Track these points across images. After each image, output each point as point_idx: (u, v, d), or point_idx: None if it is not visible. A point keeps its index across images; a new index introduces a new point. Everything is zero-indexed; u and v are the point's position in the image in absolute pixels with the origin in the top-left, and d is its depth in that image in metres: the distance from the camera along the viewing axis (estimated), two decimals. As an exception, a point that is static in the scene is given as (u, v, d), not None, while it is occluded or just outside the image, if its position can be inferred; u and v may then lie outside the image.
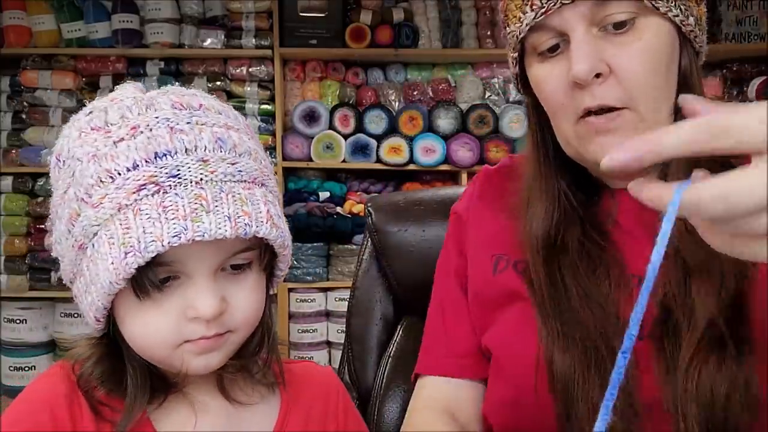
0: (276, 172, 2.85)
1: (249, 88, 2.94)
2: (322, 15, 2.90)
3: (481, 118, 2.87)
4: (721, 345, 0.62)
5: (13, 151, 2.89)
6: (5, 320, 2.89)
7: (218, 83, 2.93)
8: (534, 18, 0.67)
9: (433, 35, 3.00)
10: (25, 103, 2.91)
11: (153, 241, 0.53)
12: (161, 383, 0.62)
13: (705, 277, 0.65)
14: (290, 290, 2.89)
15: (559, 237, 0.74)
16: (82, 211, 0.55)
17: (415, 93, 2.98)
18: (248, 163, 0.59)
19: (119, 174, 0.54)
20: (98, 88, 2.90)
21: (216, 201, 0.55)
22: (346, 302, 1.16)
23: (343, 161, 2.89)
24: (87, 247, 0.56)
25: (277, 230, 0.59)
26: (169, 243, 0.53)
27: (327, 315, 2.94)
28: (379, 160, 2.89)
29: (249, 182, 0.59)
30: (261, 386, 0.68)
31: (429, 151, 2.87)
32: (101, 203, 0.54)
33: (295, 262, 2.86)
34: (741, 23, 2.94)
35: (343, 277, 2.86)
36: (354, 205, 2.89)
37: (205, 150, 0.56)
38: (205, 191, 0.55)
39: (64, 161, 0.58)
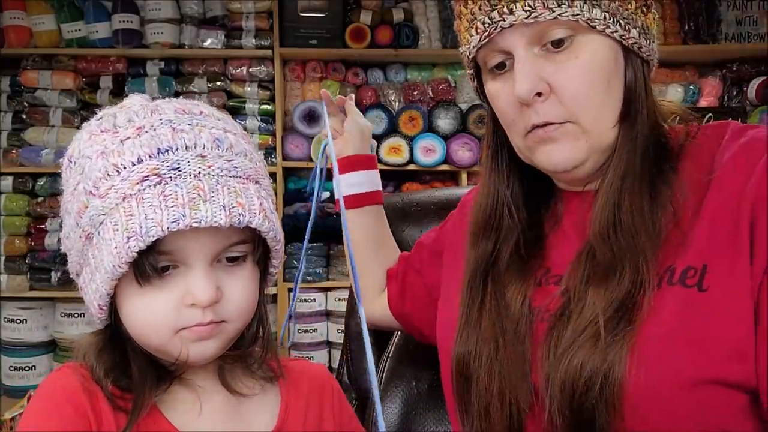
0: (276, 172, 2.88)
1: (249, 88, 2.94)
2: (322, 15, 2.90)
3: (481, 118, 2.87)
4: (596, 338, 0.66)
5: (14, 151, 2.89)
6: (5, 320, 2.89)
7: (218, 83, 2.93)
8: (479, 41, 0.72)
9: (433, 35, 3.00)
10: (25, 103, 2.91)
11: (154, 226, 0.57)
12: (164, 372, 0.66)
13: (604, 276, 0.69)
14: (290, 290, 2.89)
15: (495, 248, 0.81)
16: (90, 203, 0.60)
17: (415, 93, 2.98)
18: (243, 162, 0.64)
19: (124, 167, 0.59)
20: (98, 88, 2.90)
21: (212, 192, 0.60)
22: (346, 302, 1.16)
23: (343, 161, 2.89)
24: (93, 236, 0.61)
25: (269, 223, 0.64)
26: (168, 228, 0.57)
27: (327, 315, 2.94)
28: (379, 160, 2.87)
29: (243, 178, 0.64)
30: (260, 379, 0.71)
31: (429, 151, 2.87)
32: (107, 194, 0.59)
33: (295, 262, 2.86)
34: (741, 23, 2.94)
35: (343, 277, 2.86)
36: (354, 205, 2.88)
37: (203, 147, 0.62)
38: (203, 183, 0.60)
39: (75, 161, 0.63)
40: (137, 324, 0.62)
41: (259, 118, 2.94)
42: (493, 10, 0.70)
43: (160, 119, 0.62)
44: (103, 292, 0.61)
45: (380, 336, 1.13)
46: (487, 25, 0.71)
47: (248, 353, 0.70)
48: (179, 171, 0.59)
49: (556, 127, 0.71)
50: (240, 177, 0.63)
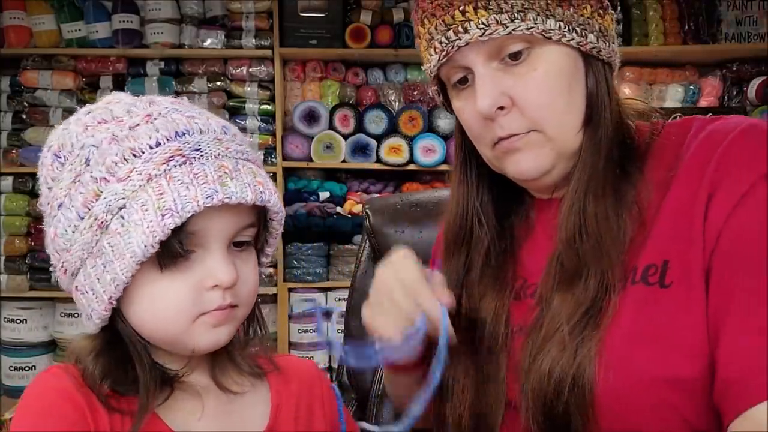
0: (276, 172, 2.89)
1: (249, 89, 2.94)
2: (322, 15, 2.89)
3: (481, 118, 2.87)
4: (563, 344, 0.67)
5: (14, 151, 2.90)
6: (5, 320, 2.89)
7: (218, 83, 2.93)
8: (438, 60, 0.73)
9: (433, 35, 2.99)
10: (25, 103, 2.91)
11: (189, 202, 0.58)
12: (165, 377, 0.65)
13: (570, 282, 0.70)
14: (290, 290, 2.90)
15: (467, 260, 0.81)
16: (105, 189, 0.59)
17: (415, 93, 2.98)
18: (248, 149, 0.67)
19: (143, 152, 0.60)
20: (98, 88, 2.90)
21: (236, 171, 0.62)
22: (346, 302, 1.16)
23: (343, 161, 2.89)
24: (109, 224, 0.59)
25: (279, 205, 0.67)
26: (203, 204, 0.59)
27: (327, 315, 2.93)
28: (379, 160, 2.89)
29: (253, 162, 0.67)
30: (249, 376, 0.71)
31: (429, 151, 2.87)
32: (129, 176, 0.59)
33: (295, 262, 2.86)
34: (741, 23, 2.94)
35: (343, 277, 2.86)
36: (354, 205, 2.89)
37: (215, 132, 0.64)
38: (226, 162, 0.62)
39: (66, 156, 0.62)
40: (154, 313, 0.62)
41: (259, 118, 2.93)
42: (448, 29, 0.70)
43: (166, 108, 0.64)
44: (122, 280, 0.60)
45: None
46: (444, 45, 0.71)
47: (238, 348, 0.70)
48: (201, 152, 0.61)
49: (521, 137, 0.72)
50: (250, 161, 0.66)
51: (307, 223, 2.79)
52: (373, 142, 2.88)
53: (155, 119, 0.62)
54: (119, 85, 2.90)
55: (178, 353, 0.65)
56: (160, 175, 0.59)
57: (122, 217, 0.59)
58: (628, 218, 0.70)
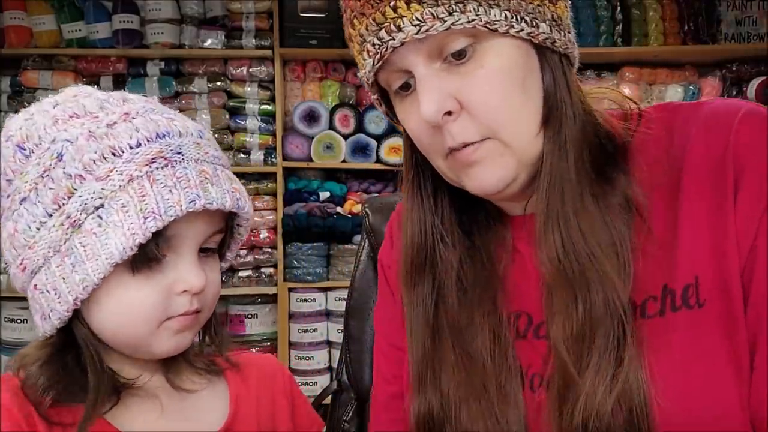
0: (276, 172, 2.88)
1: (249, 89, 2.94)
2: (322, 15, 2.89)
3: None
4: (594, 390, 0.61)
5: (14, 151, 2.90)
6: (5, 320, 2.89)
7: (218, 83, 2.93)
8: (373, 64, 0.64)
9: (433, 35, 2.99)
10: (25, 104, 2.86)
11: (172, 206, 0.58)
12: (112, 384, 0.63)
13: (568, 313, 0.63)
14: (290, 290, 2.90)
15: (434, 285, 0.73)
16: (81, 187, 0.58)
17: (415, 93, 2.98)
18: (220, 152, 0.67)
19: (123, 151, 0.58)
20: (99, 88, 2.86)
21: (215, 176, 0.62)
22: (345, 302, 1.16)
23: (343, 161, 2.89)
24: (83, 223, 0.58)
25: (251, 211, 0.67)
26: (186, 209, 0.58)
27: (327, 315, 2.94)
28: (379, 160, 2.89)
29: (225, 167, 0.66)
30: (206, 374, 0.71)
31: (429, 152, 2.86)
32: (109, 176, 0.58)
33: (295, 262, 2.86)
34: (741, 23, 2.94)
35: (344, 277, 2.86)
36: (354, 205, 2.89)
37: (194, 135, 0.64)
38: (206, 167, 0.62)
39: (33, 147, 0.60)
40: (121, 316, 0.60)
41: (259, 118, 2.93)
42: (380, 29, 0.62)
43: (143, 107, 0.63)
44: (92, 282, 0.58)
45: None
46: (377, 47, 0.63)
47: (192, 348, 0.70)
48: (182, 155, 0.61)
49: (476, 147, 0.63)
50: (224, 165, 0.66)
51: (307, 223, 2.79)
52: (373, 142, 2.88)
53: (133, 118, 0.61)
54: (119, 85, 2.90)
55: (137, 357, 0.64)
56: (142, 176, 0.58)
57: (99, 217, 0.57)
58: (623, 226, 0.63)
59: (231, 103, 2.93)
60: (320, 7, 2.89)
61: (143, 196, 0.57)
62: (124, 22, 2.86)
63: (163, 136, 0.60)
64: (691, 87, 2.94)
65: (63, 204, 0.58)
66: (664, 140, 0.66)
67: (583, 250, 0.62)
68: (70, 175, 0.58)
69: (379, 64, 0.64)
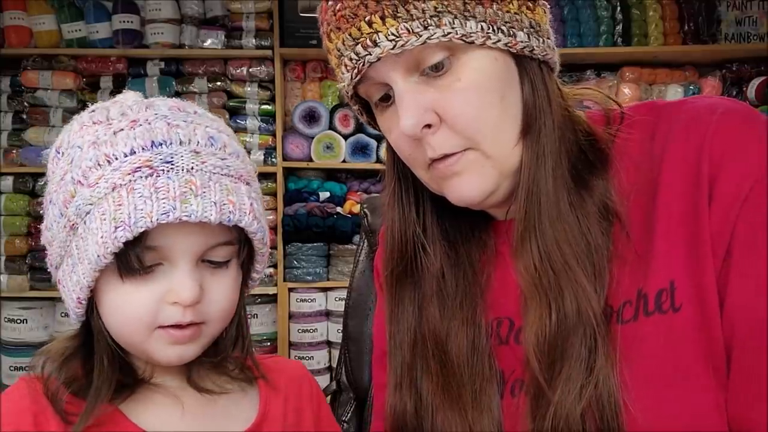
0: (276, 172, 2.88)
1: (249, 89, 2.94)
2: (322, 15, 2.89)
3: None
4: (570, 395, 0.61)
5: (14, 151, 2.90)
6: (5, 320, 2.89)
7: (218, 83, 2.93)
8: (351, 78, 0.65)
9: (433, 35, 2.99)
10: (25, 104, 2.91)
11: (143, 217, 0.56)
12: (129, 377, 0.64)
13: (543, 319, 0.63)
14: (290, 290, 2.90)
15: (415, 293, 0.74)
16: (78, 192, 0.59)
17: (415, 93, 2.98)
18: (235, 162, 0.64)
19: (116, 158, 0.59)
20: (99, 88, 2.90)
21: (204, 188, 0.59)
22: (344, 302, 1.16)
23: (343, 161, 2.89)
24: (78, 226, 0.60)
25: (258, 224, 0.63)
26: (157, 220, 0.57)
27: (327, 315, 2.94)
28: (379, 160, 2.89)
29: (235, 177, 0.63)
30: (238, 381, 0.70)
31: (429, 152, 2.86)
32: (97, 183, 0.58)
33: (295, 262, 2.86)
34: (741, 23, 2.94)
35: (343, 277, 2.86)
36: (354, 205, 2.89)
37: (197, 144, 0.61)
38: (195, 178, 0.59)
39: (63, 152, 0.63)
40: (116, 319, 0.61)
41: (259, 118, 2.93)
42: (356, 44, 0.62)
43: (156, 114, 0.62)
44: (84, 284, 0.60)
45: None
46: (354, 61, 0.63)
47: (224, 359, 0.69)
48: (172, 164, 0.59)
49: (458, 158, 0.64)
50: (232, 176, 0.63)
51: (307, 223, 2.79)
52: (373, 142, 2.88)
53: (139, 125, 0.60)
54: (120, 85, 2.89)
55: (149, 360, 0.65)
56: (123, 185, 0.58)
57: (85, 223, 0.59)
58: (600, 234, 0.63)
59: (231, 103, 2.93)
60: (320, 7, 2.89)
61: (119, 205, 0.57)
62: (124, 22, 2.86)
63: (159, 144, 0.59)
64: (691, 87, 2.93)
65: (68, 207, 0.60)
66: (646, 143, 0.66)
67: (558, 259, 0.63)
68: (74, 180, 0.60)
69: (358, 78, 0.64)
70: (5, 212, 2.89)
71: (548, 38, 0.67)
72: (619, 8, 2.92)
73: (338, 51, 0.65)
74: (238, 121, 2.91)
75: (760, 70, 2.90)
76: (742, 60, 2.95)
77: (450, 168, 0.64)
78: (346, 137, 2.89)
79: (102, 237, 0.57)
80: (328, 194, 2.92)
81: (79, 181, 0.59)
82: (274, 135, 2.93)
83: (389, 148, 0.73)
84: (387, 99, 0.66)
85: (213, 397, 0.68)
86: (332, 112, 2.90)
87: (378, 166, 2.90)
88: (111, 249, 0.57)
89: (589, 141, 0.68)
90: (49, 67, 2.89)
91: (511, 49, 0.63)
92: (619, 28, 2.92)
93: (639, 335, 0.61)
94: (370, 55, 0.61)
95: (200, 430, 0.66)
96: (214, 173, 0.61)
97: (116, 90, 2.87)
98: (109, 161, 0.59)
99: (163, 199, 0.57)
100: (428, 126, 0.63)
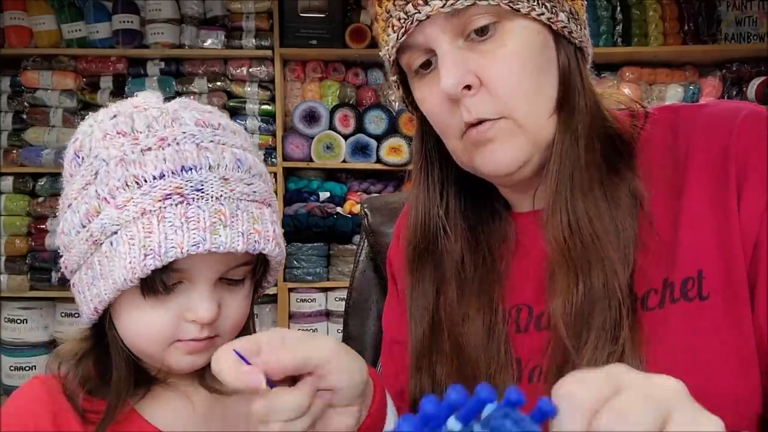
0: (276, 172, 2.88)
1: (249, 89, 2.94)
2: (322, 15, 2.90)
3: (481, 118, 2.87)
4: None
5: (14, 151, 2.90)
6: (5, 320, 2.89)
7: (218, 83, 2.93)
8: (397, 39, 0.66)
9: (433, 35, 2.99)
10: (25, 104, 2.91)
11: (173, 247, 0.57)
12: (144, 376, 0.66)
13: (569, 294, 0.63)
14: (290, 290, 2.90)
15: (435, 277, 0.74)
16: (104, 210, 0.59)
17: (415, 93, 2.98)
18: (260, 185, 0.65)
19: (146, 181, 0.59)
20: (99, 88, 2.90)
21: (233, 217, 0.60)
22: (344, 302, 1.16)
23: (343, 161, 2.90)
24: (102, 243, 0.60)
25: (279, 249, 0.65)
26: (188, 251, 0.57)
27: (327, 315, 2.94)
28: (379, 160, 2.89)
29: (260, 202, 0.65)
30: None
31: (429, 152, 2.86)
32: (125, 206, 0.58)
33: (295, 262, 2.86)
34: (741, 23, 2.94)
35: (344, 277, 2.86)
36: (354, 205, 2.89)
37: (226, 168, 0.62)
38: (224, 207, 0.60)
39: (83, 158, 0.62)
40: (133, 333, 0.63)
41: (259, 118, 2.94)
42: (407, 3, 0.64)
43: (183, 132, 0.62)
44: (105, 299, 0.61)
45: (378, 336, 1.12)
46: (403, 21, 0.65)
47: None
48: (202, 192, 0.59)
49: (491, 125, 0.65)
50: (257, 201, 0.64)
51: (307, 223, 2.79)
52: (373, 142, 2.88)
53: (168, 145, 0.60)
54: (120, 85, 2.90)
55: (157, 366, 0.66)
56: (153, 212, 0.58)
57: (111, 243, 0.59)
58: (628, 218, 0.64)
59: (231, 103, 2.93)
60: (320, 7, 2.90)
61: (149, 232, 0.57)
62: (124, 22, 2.86)
63: (189, 169, 0.60)
64: (691, 87, 2.93)
65: (91, 221, 0.60)
66: (669, 140, 0.67)
67: (588, 232, 0.64)
68: (99, 196, 0.60)
69: (403, 38, 0.66)
70: (5, 212, 2.89)
71: (585, 28, 0.69)
72: (619, 8, 2.92)
73: (387, 12, 0.66)
74: (238, 121, 2.90)
75: (760, 70, 2.90)
76: (742, 60, 2.95)
77: (483, 134, 0.66)
78: (346, 137, 2.89)
79: (130, 262, 0.57)
80: (328, 194, 2.92)
81: (105, 198, 0.59)
82: (274, 135, 2.93)
83: (419, 128, 0.75)
84: (427, 66, 0.68)
85: (223, 397, 0.68)
86: (332, 112, 2.91)
87: (378, 166, 2.90)
88: (138, 275, 0.58)
89: (616, 131, 0.70)
90: (49, 67, 2.89)
91: (552, 26, 0.66)
92: (619, 28, 2.92)
93: (664, 321, 0.62)
94: (420, 13, 0.63)
95: (212, 431, 0.67)
96: (242, 200, 0.62)
97: (116, 90, 2.88)
98: (138, 183, 0.59)
99: (193, 229, 0.58)
100: (468, 87, 0.64)
